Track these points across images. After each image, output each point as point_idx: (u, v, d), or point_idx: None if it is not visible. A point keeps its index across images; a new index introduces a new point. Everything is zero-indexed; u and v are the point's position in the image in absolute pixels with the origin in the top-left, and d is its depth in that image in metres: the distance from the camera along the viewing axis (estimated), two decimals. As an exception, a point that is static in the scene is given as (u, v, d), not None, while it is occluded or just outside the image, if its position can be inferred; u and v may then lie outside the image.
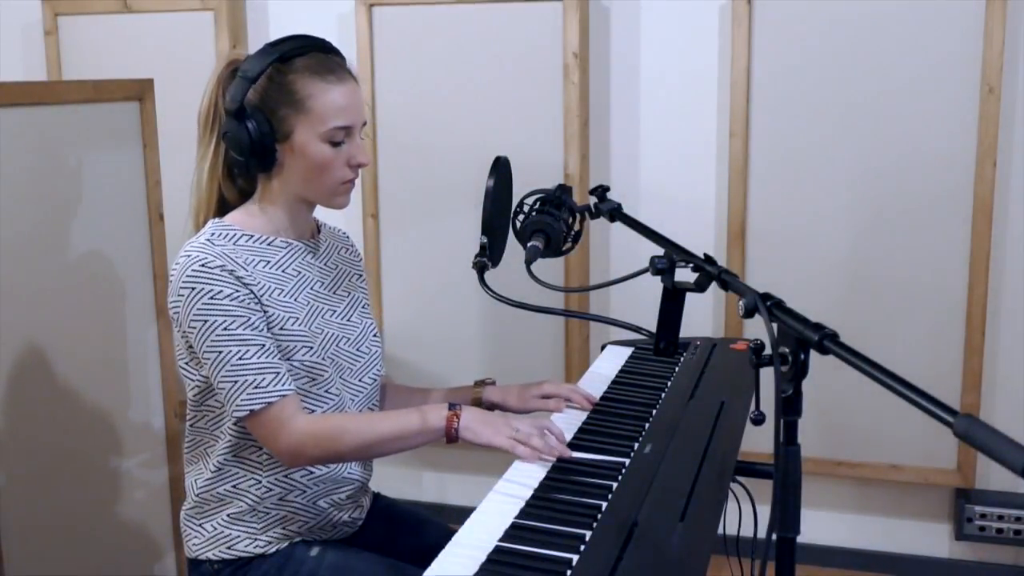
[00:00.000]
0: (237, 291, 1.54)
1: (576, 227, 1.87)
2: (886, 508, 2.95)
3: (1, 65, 3.47)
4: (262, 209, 1.66)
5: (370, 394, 1.75)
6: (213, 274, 1.53)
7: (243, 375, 1.52)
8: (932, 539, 2.93)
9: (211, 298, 1.52)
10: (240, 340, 1.52)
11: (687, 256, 1.50)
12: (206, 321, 1.52)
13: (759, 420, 1.23)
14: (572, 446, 1.60)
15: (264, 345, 1.54)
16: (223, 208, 1.68)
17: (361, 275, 1.84)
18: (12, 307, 2.09)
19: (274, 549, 1.65)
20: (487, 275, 1.78)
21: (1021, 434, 0.92)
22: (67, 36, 3.27)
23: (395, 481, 3.14)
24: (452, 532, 1.35)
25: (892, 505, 2.94)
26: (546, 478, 1.48)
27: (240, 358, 1.52)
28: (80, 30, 3.26)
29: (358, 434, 1.56)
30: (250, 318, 1.54)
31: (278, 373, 1.54)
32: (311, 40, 1.63)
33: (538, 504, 1.40)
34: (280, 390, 1.54)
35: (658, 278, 1.53)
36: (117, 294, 2.39)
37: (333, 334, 1.68)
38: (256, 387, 1.52)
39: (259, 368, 1.53)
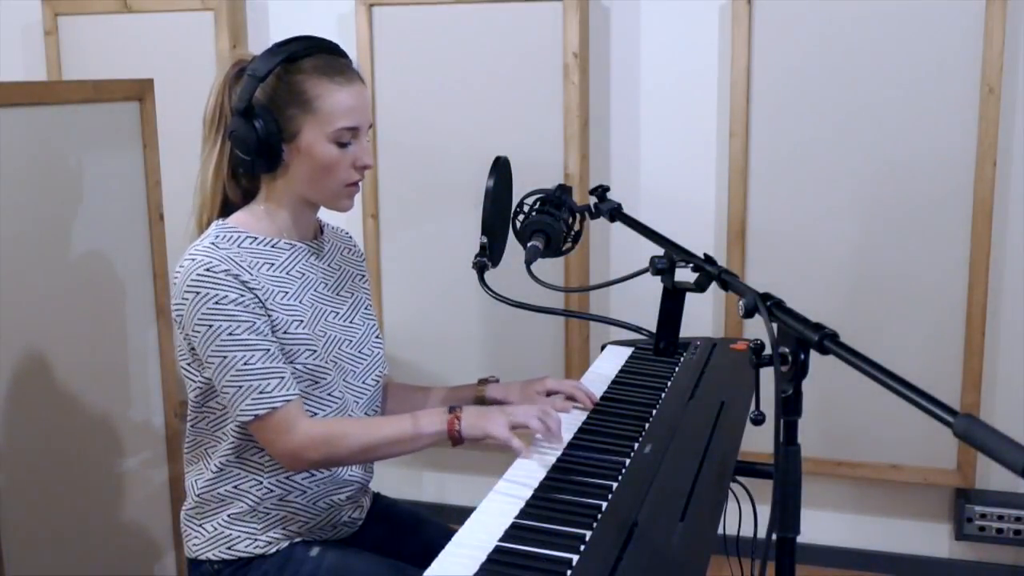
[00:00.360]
0: (242, 295, 1.54)
1: (576, 227, 1.87)
2: (886, 508, 2.95)
3: (1, 65, 3.47)
4: (266, 210, 1.66)
5: (373, 396, 1.75)
6: (218, 279, 1.53)
7: (248, 380, 1.52)
8: (932, 539, 2.93)
9: (216, 303, 1.52)
10: (245, 345, 1.52)
11: (687, 256, 1.50)
12: (211, 326, 1.52)
13: (759, 420, 1.23)
14: (572, 446, 1.60)
15: (269, 350, 1.54)
16: (226, 209, 1.68)
17: (364, 276, 1.84)
18: (12, 307, 2.09)
19: (274, 549, 1.65)
20: (487, 275, 1.78)
21: (1021, 434, 0.92)
22: (67, 36, 3.28)
23: (395, 481, 3.14)
24: (452, 532, 1.35)
25: (892, 505, 2.94)
26: (546, 478, 1.48)
27: (245, 363, 1.52)
28: (80, 30, 3.26)
29: (358, 439, 1.56)
30: (255, 323, 1.54)
31: (282, 378, 1.55)
32: (318, 41, 1.63)
33: (538, 504, 1.40)
34: (284, 395, 1.54)
35: (658, 278, 1.53)
36: (117, 294, 2.39)
37: (336, 336, 1.68)
38: (261, 392, 1.52)
39: (264, 373, 1.53)
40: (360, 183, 1.66)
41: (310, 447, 1.54)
